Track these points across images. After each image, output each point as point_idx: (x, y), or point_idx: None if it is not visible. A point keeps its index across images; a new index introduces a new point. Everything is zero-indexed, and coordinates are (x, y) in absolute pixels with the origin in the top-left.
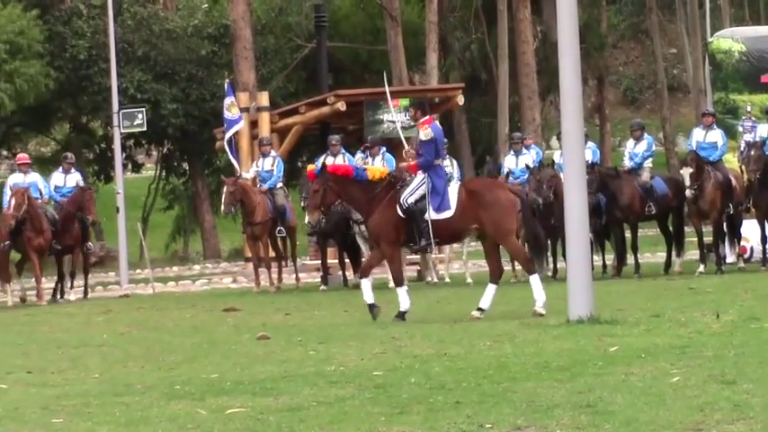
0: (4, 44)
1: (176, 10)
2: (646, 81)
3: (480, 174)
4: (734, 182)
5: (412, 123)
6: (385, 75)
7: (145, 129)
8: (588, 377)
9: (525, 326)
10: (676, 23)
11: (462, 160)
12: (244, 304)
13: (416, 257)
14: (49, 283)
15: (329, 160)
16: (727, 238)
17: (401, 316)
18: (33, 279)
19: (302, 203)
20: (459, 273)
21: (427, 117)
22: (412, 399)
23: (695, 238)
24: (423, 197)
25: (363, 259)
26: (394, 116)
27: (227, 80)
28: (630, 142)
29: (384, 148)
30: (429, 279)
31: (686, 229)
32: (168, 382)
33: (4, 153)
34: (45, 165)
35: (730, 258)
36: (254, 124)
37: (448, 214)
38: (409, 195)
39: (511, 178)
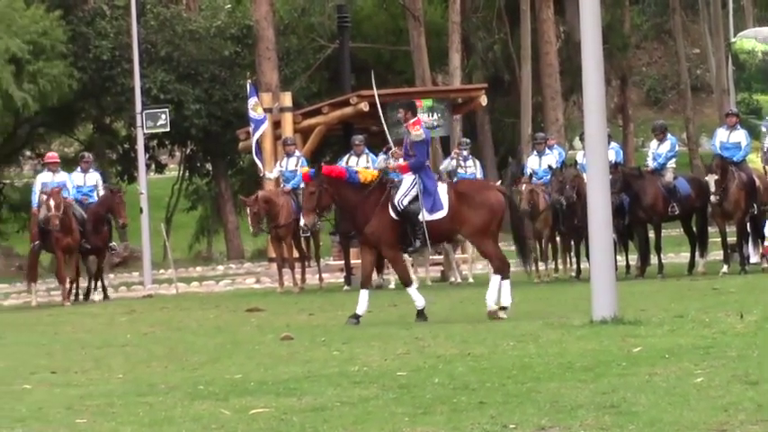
0: (28, 45)
1: (199, 10)
2: (669, 81)
3: (504, 174)
4: (757, 182)
5: (436, 124)
6: (372, 74)
7: (168, 129)
8: (612, 378)
9: (549, 326)
10: (699, 24)
11: (485, 161)
12: (267, 305)
13: (440, 258)
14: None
15: (353, 160)
16: (750, 239)
17: (422, 316)
18: (57, 279)
19: None
20: (483, 273)
21: (416, 118)
22: (435, 399)
23: (719, 239)
24: (416, 198)
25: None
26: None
27: (250, 81)
28: (654, 143)
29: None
30: (452, 279)
31: (710, 229)
32: (192, 382)
33: (28, 153)
34: (68, 165)
35: (754, 259)
36: (276, 125)
37: (441, 214)
38: (403, 197)
39: (534, 178)
